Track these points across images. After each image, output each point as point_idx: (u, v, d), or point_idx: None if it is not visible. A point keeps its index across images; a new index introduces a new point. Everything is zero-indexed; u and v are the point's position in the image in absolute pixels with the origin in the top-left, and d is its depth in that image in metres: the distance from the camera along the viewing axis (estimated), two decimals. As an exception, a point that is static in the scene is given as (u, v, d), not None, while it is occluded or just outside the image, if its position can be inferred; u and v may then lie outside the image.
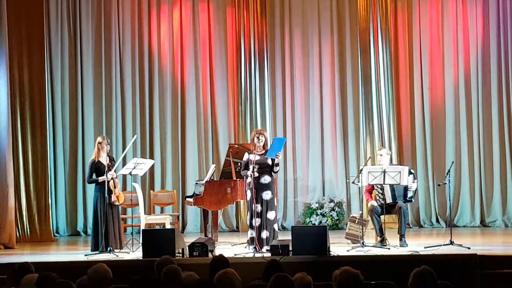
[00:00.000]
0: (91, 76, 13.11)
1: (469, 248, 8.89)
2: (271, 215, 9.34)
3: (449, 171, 9.78)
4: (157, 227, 11.21)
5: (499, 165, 12.50)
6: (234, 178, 10.38)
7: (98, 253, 9.40)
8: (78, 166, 12.99)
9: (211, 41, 13.35)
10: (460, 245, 9.04)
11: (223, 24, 13.36)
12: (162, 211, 12.60)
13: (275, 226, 9.44)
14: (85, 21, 13.14)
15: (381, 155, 9.99)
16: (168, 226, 10.85)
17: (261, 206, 9.31)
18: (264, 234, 9.28)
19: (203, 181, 10.58)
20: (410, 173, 9.71)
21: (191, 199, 10.66)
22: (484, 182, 12.59)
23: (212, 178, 10.78)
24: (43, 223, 12.10)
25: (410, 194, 9.79)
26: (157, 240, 8.74)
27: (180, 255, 8.66)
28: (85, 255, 9.28)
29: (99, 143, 9.88)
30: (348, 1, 13.16)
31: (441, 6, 12.89)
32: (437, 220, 12.68)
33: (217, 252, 8.55)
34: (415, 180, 9.84)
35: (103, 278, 5.40)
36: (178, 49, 13.31)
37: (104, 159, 9.80)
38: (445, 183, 9.77)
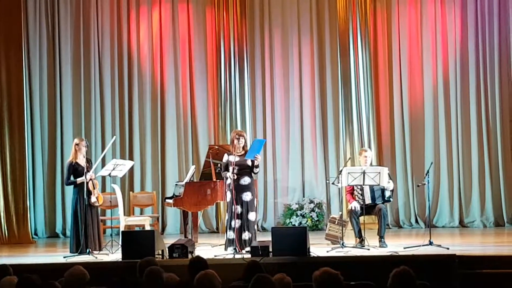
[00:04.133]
0: (69, 77, 13.04)
1: (448, 248, 8.94)
2: (251, 216, 9.35)
3: (428, 172, 9.83)
4: (137, 228, 11.17)
5: (477, 166, 12.58)
6: (214, 179, 10.37)
7: (77, 255, 9.35)
8: (56, 168, 12.91)
9: (190, 42, 13.33)
10: (439, 246, 9.09)
11: (203, 25, 13.34)
12: (141, 213, 12.56)
13: (255, 228, 9.45)
14: (63, 21, 13.07)
15: (361, 156, 10.04)
16: (147, 228, 10.81)
17: (241, 207, 9.32)
18: (246, 235, 9.28)
19: (183, 182, 10.55)
20: None
21: (170, 201, 10.63)
22: (462, 183, 12.66)
23: (192, 179, 10.76)
24: (21, 225, 12.01)
25: (388, 194, 9.82)
26: (136, 242, 8.71)
27: (160, 256, 8.64)
28: (64, 257, 9.23)
29: (76, 144, 9.84)
30: (327, 3, 13.18)
31: (420, 8, 12.95)
32: (416, 221, 12.73)
33: (197, 253, 8.53)
34: (390, 180, 9.86)
35: (79, 281, 5.38)
36: (158, 50, 13.28)
37: (82, 161, 9.75)
38: (424, 184, 9.82)
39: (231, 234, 9.31)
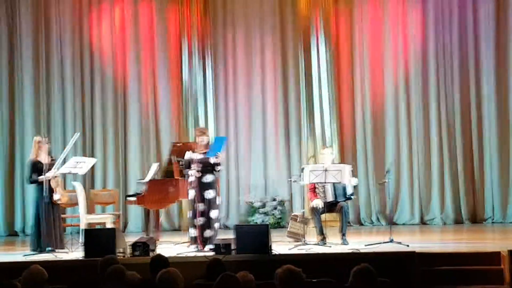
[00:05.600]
0: (30, 74, 12.92)
1: (408, 245, 9.01)
2: (214, 214, 9.35)
3: (389, 170, 9.91)
4: (98, 226, 11.09)
5: (437, 164, 12.71)
6: (177, 177, 10.34)
7: (37, 253, 9.25)
8: (16, 166, 12.79)
9: (153, 39, 13.27)
10: (400, 243, 9.16)
11: (165, 22, 13.30)
12: (103, 211, 12.46)
13: (216, 225, 9.45)
14: (24, 17, 12.96)
15: (323, 154, 10.08)
16: (109, 226, 10.73)
17: (204, 205, 9.31)
18: (208, 233, 9.27)
19: (145, 180, 10.51)
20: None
21: (132, 198, 10.58)
22: (423, 181, 12.78)
23: (154, 177, 10.71)
24: (-20, 223, 11.87)
25: (349, 191, 9.85)
26: (98, 240, 8.64)
27: (122, 254, 8.59)
28: (24, 256, 9.12)
29: (38, 142, 9.72)
30: (290, 1, 13.22)
31: (382, 7, 13.04)
32: (377, 218, 12.83)
33: (159, 251, 8.50)
34: (353, 178, 9.90)
35: (38, 279, 5.33)
36: (120, 47, 13.22)
37: (44, 159, 9.65)
38: (385, 182, 9.90)
39: (194, 232, 9.30)
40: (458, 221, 12.57)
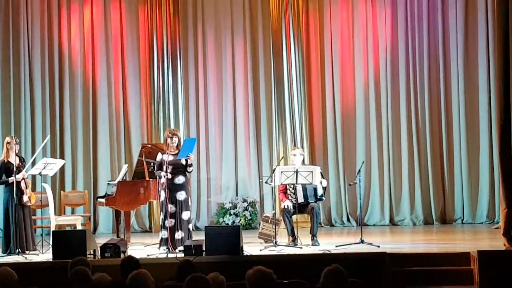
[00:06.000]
0: (-2, 75, 12.79)
1: (378, 246, 9.07)
2: (185, 215, 9.33)
3: (359, 171, 9.96)
4: (68, 228, 11.01)
5: (407, 165, 12.79)
6: (147, 178, 10.30)
7: (6, 255, 9.17)
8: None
9: (123, 40, 13.21)
10: (370, 244, 9.21)
11: (135, 23, 13.24)
12: (73, 212, 12.39)
13: (190, 227, 9.43)
14: (-8, 18, 12.81)
15: (294, 155, 10.10)
16: (79, 227, 10.68)
17: (175, 206, 9.28)
18: (179, 234, 9.25)
19: (115, 181, 10.45)
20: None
21: (103, 200, 10.52)
22: (393, 181, 12.85)
23: (124, 178, 10.66)
24: None
25: (320, 192, 9.89)
26: (67, 242, 8.59)
27: (92, 256, 8.54)
28: (-7, 258, 9.04)
29: (8, 143, 9.63)
30: (260, 2, 13.23)
31: (352, 8, 13.09)
32: (348, 219, 12.88)
33: (129, 253, 8.46)
34: (323, 179, 9.94)
35: (7, 281, 5.28)
36: (89, 48, 13.13)
37: (14, 159, 9.56)
38: (356, 183, 9.94)
39: (165, 233, 9.27)
40: (428, 221, 12.65)
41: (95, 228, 12.69)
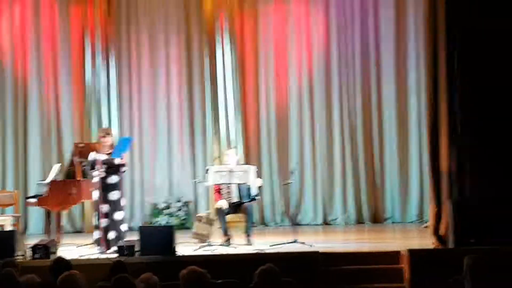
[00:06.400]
0: None
1: (311, 245, 9.15)
2: (118, 215, 9.24)
3: (293, 171, 10.03)
4: (-3, 229, 10.78)
5: (340, 166, 12.92)
6: (79, 178, 10.17)
7: None
8: None
9: (54, 38, 13.00)
10: (303, 243, 9.28)
11: (68, 21, 13.04)
12: (2, 212, 12.13)
13: (123, 227, 9.34)
14: None
15: (228, 155, 10.12)
16: (8, 228, 10.46)
17: (108, 206, 9.19)
18: (112, 234, 9.16)
19: (47, 181, 10.28)
20: None
21: (33, 200, 10.34)
22: (326, 181, 12.96)
23: (56, 178, 10.49)
24: None
25: (254, 192, 9.93)
26: (-4, 243, 8.42)
27: (22, 257, 8.39)
28: None
29: None
30: (195, 3, 13.19)
31: (286, 8, 13.17)
32: (282, 219, 12.94)
33: (60, 254, 8.34)
34: (257, 178, 9.99)
35: None
36: (19, 46, 12.88)
37: None
38: (290, 183, 10.02)
39: (98, 234, 9.17)
40: (359, 221, 12.81)
41: (25, 229, 12.45)
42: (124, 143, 9.36)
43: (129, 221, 12.61)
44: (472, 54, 8.72)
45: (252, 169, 9.76)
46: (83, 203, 12.08)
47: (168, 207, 12.71)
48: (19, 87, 12.85)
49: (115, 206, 9.25)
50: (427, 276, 7.74)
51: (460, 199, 8.58)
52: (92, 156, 9.38)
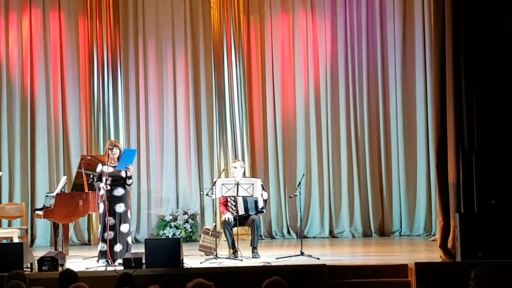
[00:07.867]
0: None
1: (318, 258, 9.14)
2: (124, 228, 9.25)
3: (300, 183, 10.03)
4: (4, 241, 10.79)
5: (346, 178, 12.90)
6: (86, 190, 10.19)
7: None
8: None
9: (62, 50, 13.03)
10: (310, 256, 9.28)
11: (75, 33, 13.08)
12: (9, 225, 12.15)
13: (129, 239, 9.35)
14: None
15: (235, 167, 10.12)
16: (16, 240, 10.48)
17: (114, 219, 9.20)
18: (117, 247, 9.16)
19: (54, 193, 10.31)
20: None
21: (40, 212, 10.36)
22: (332, 194, 12.94)
23: (63, 190, 10.52)
24: None
25: (260, 205, 9.93)
26: (4, 255, 8.41)
27: (29, 269, 8.39)
28: None
29: None
30: (202, 15, 13.22)
31: (292, 21, 13.17)
32: (288, 232, 12.92)
33: (68, 266, 8.34)
34: (263, 192, 10.00)
35: None
36: (28, 58, 12.91)
37: None
38: (296, 195, 10.01)
39: (104, 246, 9.17)
40: (366, 234, 12.78)
41: (32, 241, 12.46)
42: (129, 154, 9.38)
43: (136, 234, 12.66)
44: (480, 67, 8.72)
45: (259, 181, 9.76)
46: (90, 215, 12.10)
47: (175, 220, 12.71)
48: (27, 100, 12.86)
49: (122, 218, 9.26)
50: (433, 289, 7.71)
51: (467, 212, 8.55)
52: (99, 168, 9.41)
